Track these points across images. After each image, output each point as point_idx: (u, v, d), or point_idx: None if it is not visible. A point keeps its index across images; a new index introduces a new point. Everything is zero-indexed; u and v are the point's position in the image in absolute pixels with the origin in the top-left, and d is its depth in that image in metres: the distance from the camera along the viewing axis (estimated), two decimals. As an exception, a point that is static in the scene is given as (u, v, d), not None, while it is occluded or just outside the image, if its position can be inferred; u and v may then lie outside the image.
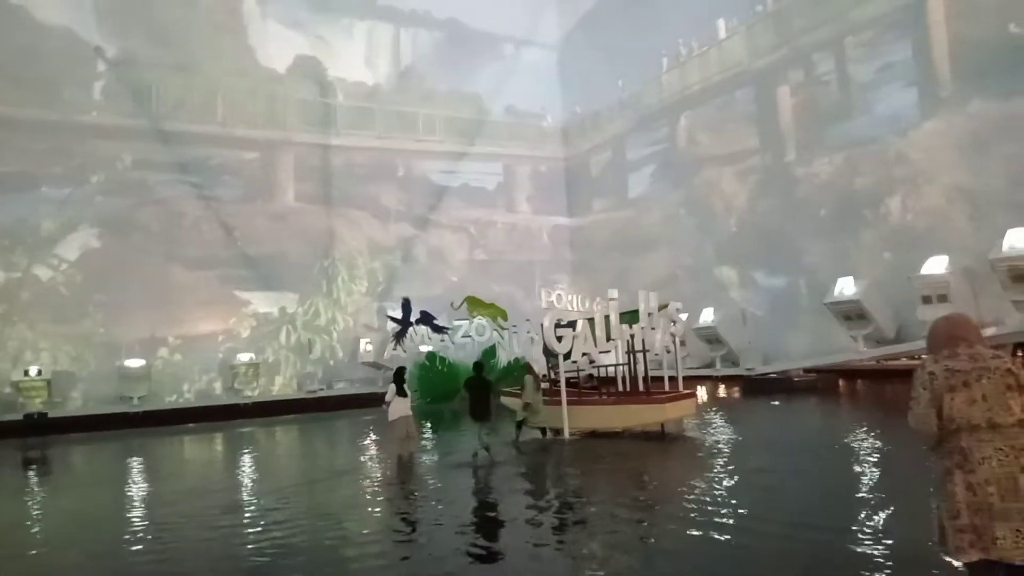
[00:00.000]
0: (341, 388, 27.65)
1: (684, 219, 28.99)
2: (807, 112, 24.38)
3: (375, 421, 16.83)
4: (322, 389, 27.19)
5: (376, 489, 9.91)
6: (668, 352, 15.21)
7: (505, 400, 15.18)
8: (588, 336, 14.13)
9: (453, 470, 11.06)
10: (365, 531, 7.56)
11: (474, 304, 24.88)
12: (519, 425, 13.10)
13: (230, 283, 27.61)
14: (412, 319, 26.31)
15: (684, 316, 17.16)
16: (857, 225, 22.00)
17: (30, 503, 10.93)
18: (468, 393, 12.09)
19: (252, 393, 25.74)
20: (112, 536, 7.67)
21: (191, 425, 21.76)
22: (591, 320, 14.51)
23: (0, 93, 24.24)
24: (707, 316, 25.01)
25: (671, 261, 29.01)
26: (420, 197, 32.00)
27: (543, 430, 13.50)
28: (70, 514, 9.56)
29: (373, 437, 15.99)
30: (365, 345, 28.42)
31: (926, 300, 17.79)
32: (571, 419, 13.30)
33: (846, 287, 20.29)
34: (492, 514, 8.14)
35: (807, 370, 21.34)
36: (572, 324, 14.41)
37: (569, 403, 13.41)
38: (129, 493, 11.12)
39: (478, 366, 12.92)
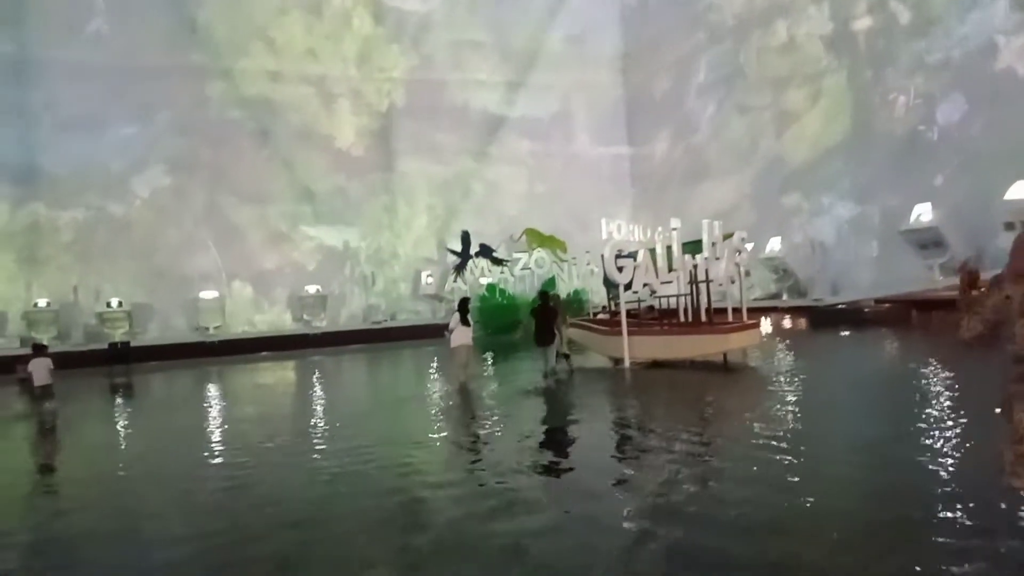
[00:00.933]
0: (404, 319, 28.24)
1: (750, 145, 27.93)
2: (885, 31, 22.84)
3: (436, 351, 17.18)
4: (385, 320, 27.82)
5: (438, 414, 10.16)
6: (732, 283, 14.90)
7: (570, 331, 15.21)
8: (649, 266, 13.90)
9: (513, 396, 11.27)
10: (428, 454, 7.77)
11: (533, 237, 24.84)
12: (559, 356, 13.15)
13: (295, 218, 28.22)
14: (471, 252, 26.48)
15: (749, 246, 16.71)
16: (935, 149, 20.79)
17: (117, 427, 11.64)
18: (534, 319, 12.64)
19: (320, 324, 26.54)
20: (191, 459, 8.10)
21: (263, 354, 22.66)
22: (652, 251, 14.26)
23: (62, 39, 24.79)
24: (774, 246, 24.30)
25: (736, 190, 28.12)
26: (477, 130, 31.68)
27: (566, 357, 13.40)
28: (152, 438, 10.13)
29: (435, 365, 16.34)
30: (426, 278, 28.83)
31: (1009, 227, 16.79)
32: (632, 349, 13.27)
33: (923, 214, 19.35)
34: (553, 438, 8.24)
35: (878, 300, 20.61)
36: (633, 255, 14.21)
37: (630, 333, 13.35)
38: (207, 418, 11.72)
39: (543, 294, 13.37)
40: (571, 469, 6.80)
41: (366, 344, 24.12)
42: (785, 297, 24.28)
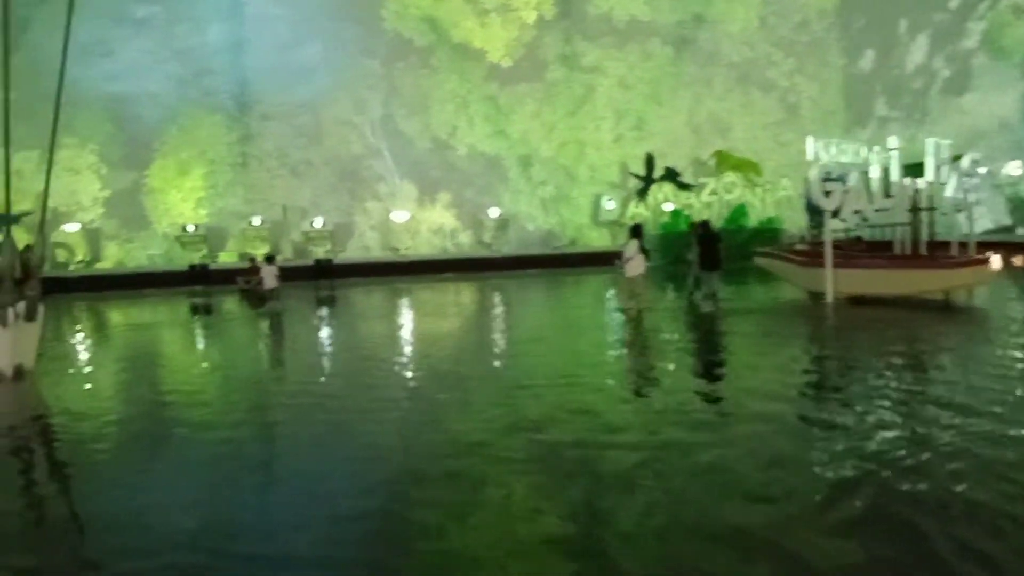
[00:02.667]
0: (582, 246, 27.99)
1: (986, 61, 23.93)
2: None
3: (612, 278, 16.82)
4: (564, 245, 27.75)
5: (611, 343, 9.88)
6: (958, 212, 13.04)
7: (759, 260, 14.19)
8: (862, 191, 12.46)
9: (689, 326, 10.75)
10: (601, 380, 7.55)
11: (723, 160, 23.29)
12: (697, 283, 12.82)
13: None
14: (655, 176, 25.42)
15: (983, 171, 14.47)
16: None
17: (323, 336, 12.59)
18: (699, 245, 12.27)
19: (500, 247, 27.04)
20: (387, 367, 8.51)
21: (448, 274, 23.56)
22: (866, 173, 12.75)
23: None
24: (1012, 169, 20.98)
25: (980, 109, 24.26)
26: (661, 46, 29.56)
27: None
28: (353, 347, 10.82)
29: (609, 293, 16.02)
30: (606, 203, 28.21)
31: None
32: (837, 283, 12.09)
33: None
34: (725, 375, 7.68)
35: None
36: (842, 178, 12.80)
37: (836, 265, 12.15)
38: (400, 330, 12.34)
39: (704, 223, 12.91)
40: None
41: (545, 268, 24.21)
42: (1022, 231, 21.06)
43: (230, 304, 18.04)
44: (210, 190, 25.90)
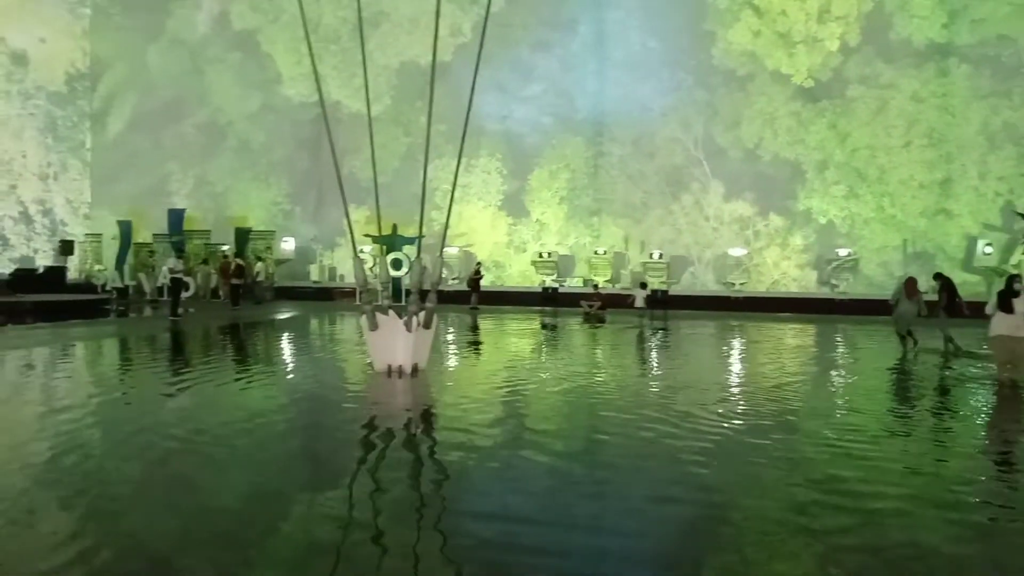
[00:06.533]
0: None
1: None
2: None
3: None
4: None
5: (968, 425, 8.85)
6: None
7: None
8: None
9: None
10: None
11: None
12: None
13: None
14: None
15: None
16: None
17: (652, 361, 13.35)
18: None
19: (843, 288, 25.30)
20: (685, 403, 8.88)
21: (785, 314, 22.78)
22: None
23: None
24: None
25: None
26: None
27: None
28: (686, 371, 11.38)
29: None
30: (983, 247, 24.59)
31: None
32: None
33: None
34: None
35: None
36: None
37: None
38: (725, 368, 12.54)
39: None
40: None
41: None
42: None
43: (574, 324, 19.85)
44: (570, 192, 29.67)
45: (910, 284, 14.30)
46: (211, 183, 34.35)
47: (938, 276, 14.75)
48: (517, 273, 30.03)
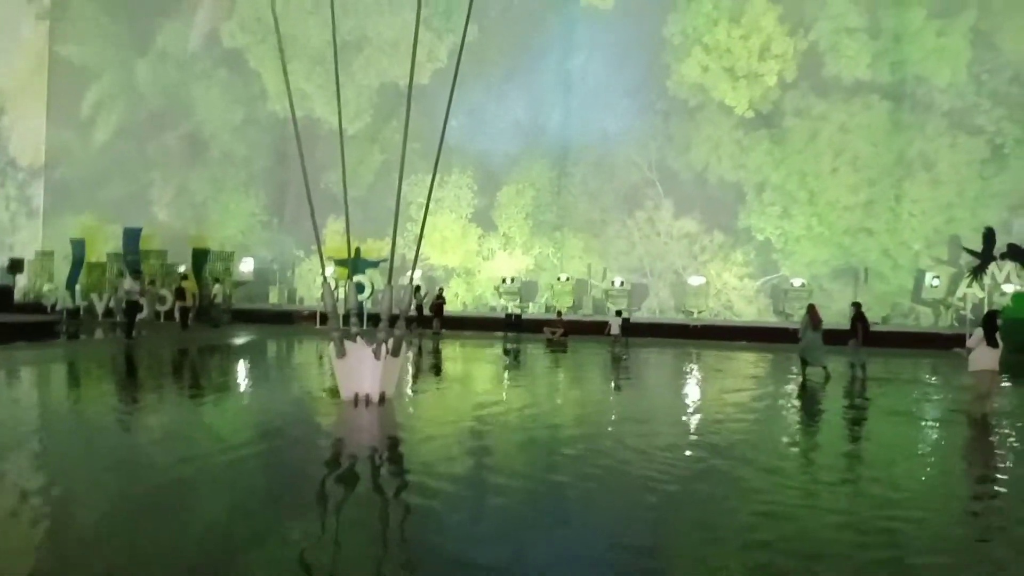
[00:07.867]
0: (897, 324, 25.61)
1: None
2: None
3: (953, 365, 15.50)
4: (876, 323, 25.58)
5: (946, 460, 9.17)
6: None
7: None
8: None
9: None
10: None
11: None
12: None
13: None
14: (995, 253, 22.51)
15: None
16: None
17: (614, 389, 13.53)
18: None
19: (796, 317, 25.88)
20: (662, 431, 9.04)
21: (742, 343, 23.21)
22: None
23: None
24: None
25: None
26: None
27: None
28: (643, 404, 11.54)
29: (936, 381, 14.56)
30: (931, 280, 25.55)
31: None
32: None
33: None
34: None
35: None
36: None
37: None
38: (684, 396, 12.76)
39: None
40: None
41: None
42: None
43: (536, 350, 19.94)
44: (535, 208, 30.57)
45: (813, 313, 14.99)
46: (191, 192, 34.78)
47: (855, 305, 15.84)
48: (486, 279, 30.72)
